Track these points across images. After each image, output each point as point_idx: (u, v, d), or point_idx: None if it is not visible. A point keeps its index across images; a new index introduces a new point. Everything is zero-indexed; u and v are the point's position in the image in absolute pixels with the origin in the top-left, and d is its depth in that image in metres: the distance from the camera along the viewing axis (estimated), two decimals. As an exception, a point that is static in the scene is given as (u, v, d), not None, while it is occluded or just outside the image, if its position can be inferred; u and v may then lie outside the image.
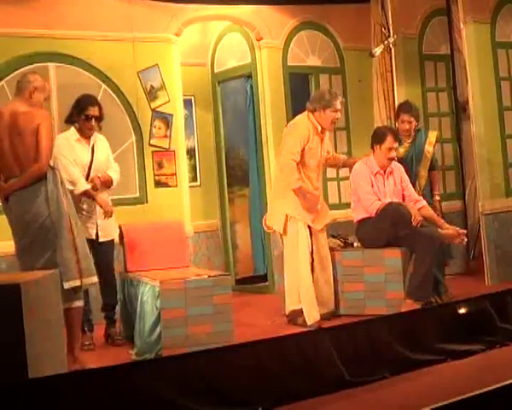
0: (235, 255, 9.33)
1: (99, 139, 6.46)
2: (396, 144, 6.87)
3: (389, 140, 6.83)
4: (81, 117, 6.29)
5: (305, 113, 6.77)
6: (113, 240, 6.50)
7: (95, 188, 6.23)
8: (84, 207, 6.25)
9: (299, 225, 6.61)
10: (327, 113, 6.63)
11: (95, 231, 6.31)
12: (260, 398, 4.39)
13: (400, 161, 7.15)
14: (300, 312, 6.58)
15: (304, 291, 6.56)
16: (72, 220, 5.35)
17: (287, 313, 6.73)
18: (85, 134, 6.35)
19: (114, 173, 6.49)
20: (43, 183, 5.31)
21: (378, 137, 6.93)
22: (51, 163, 5.44)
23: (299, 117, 6.86)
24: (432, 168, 7.35)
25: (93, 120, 6.30)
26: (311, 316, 6.48)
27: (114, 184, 6.50)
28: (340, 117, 6.83)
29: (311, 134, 6.63)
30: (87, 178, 6.27)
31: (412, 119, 7.22)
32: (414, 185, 7.13)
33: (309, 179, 6.67)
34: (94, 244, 6.26)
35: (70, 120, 6.40)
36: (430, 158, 7.27)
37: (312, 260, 6.63)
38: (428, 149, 7.27)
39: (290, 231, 6.65)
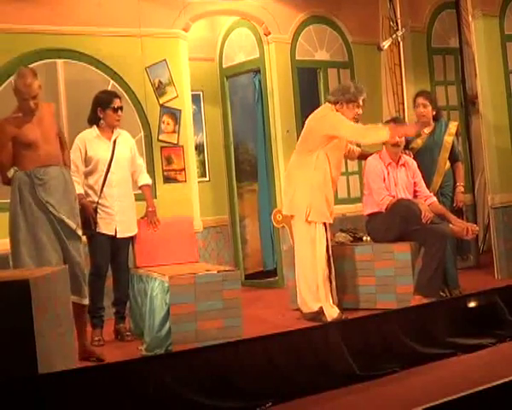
0: (244, 250, 9.33)
1: (122, 135, 6.46)
2: None
3: (390, 126, 6.76)
4: (108, 111, 6.31)
5: (327, 105, 6.67)
6: (131, 237, 6.50)
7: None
8: (103, 202, 6.27)
9: (318, 224, 6.46)
10: (350, 107, 6.49)
11: (113, 227, 6.32)
12: (270, 392, 4.39)
13: (418, 151, 7.14)
14: (322, 310, 6.40)
15: (321, 288, 6.41)
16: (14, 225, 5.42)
17: (306, 312, 6.52)
18: (109, 129, 6.36)
19: (146, 179, 6.63)
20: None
21: None
22: (10, 174, 5.51)
23: (323, 108, 6.75)
24: (455, 160, 7.23)
25: (119, 111, 6.37)
26: (332, 313, 6.34)
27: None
28: (361, 113, 6.59)
29: None
30: (107, 173, 6.28)
31: (427, 102, 7.13)
32: (432, 176, 7.09)
33: (331, 171, 6.52)
34: (113, 240, 6.31)
35: (94, 119, 6.38)
36: (449, 149, 7.13)
37: (329, 257, 6.51)
38: (448, 139, 7.14)
39: (309, 227, 6.47)
